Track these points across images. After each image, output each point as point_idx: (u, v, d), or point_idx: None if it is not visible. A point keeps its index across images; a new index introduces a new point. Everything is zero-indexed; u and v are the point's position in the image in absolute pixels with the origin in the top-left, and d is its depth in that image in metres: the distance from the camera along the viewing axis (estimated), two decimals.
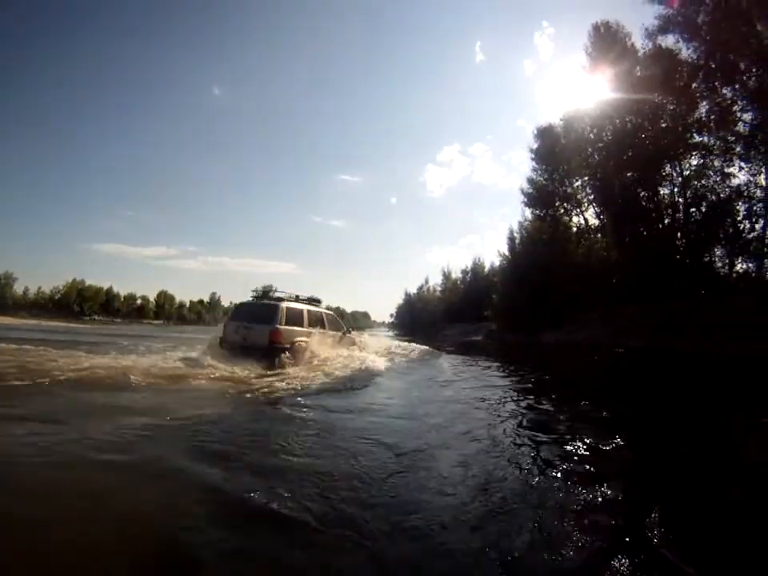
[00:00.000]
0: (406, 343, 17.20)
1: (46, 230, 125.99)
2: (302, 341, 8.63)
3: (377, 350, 12.24)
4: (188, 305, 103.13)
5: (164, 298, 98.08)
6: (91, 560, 1.87)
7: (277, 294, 9.46)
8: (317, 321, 9.58)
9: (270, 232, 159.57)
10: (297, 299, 9.53)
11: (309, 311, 9.30)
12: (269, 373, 7.10)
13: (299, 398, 5.60)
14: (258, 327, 8.24)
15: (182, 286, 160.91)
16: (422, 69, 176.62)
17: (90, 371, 6.23)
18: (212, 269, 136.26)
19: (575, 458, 3.54)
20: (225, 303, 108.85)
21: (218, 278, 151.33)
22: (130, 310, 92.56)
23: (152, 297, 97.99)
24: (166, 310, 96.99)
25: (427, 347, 16.19)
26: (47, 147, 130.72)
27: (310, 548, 2.07)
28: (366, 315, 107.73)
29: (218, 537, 2.10)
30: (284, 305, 8.63)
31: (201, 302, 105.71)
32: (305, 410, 4.99)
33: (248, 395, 5.65)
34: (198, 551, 1.98)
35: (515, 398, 6.45)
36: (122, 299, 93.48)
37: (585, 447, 3.86)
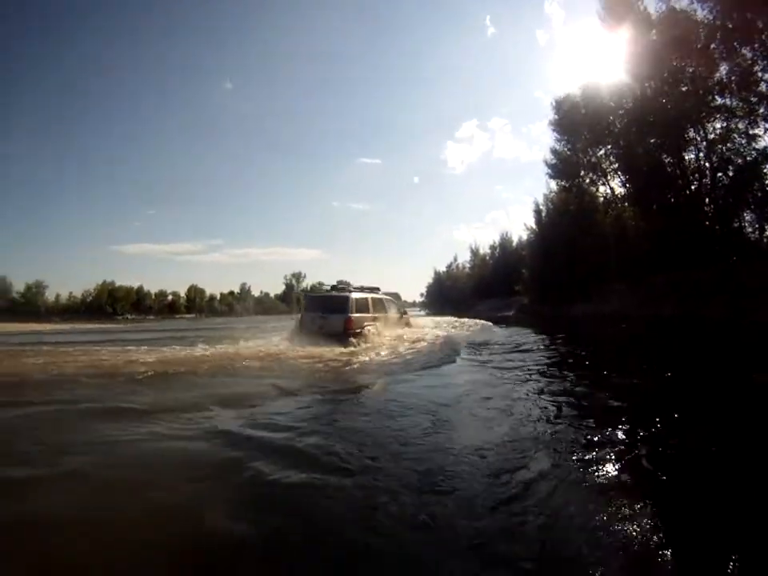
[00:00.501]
0: (465, 319, 18.54)
1: (67, 236, 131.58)
2: (369, 325, 10.18)
3: (433, 327, 14.19)
4: (219, 297, 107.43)
5: (194, 292, 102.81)
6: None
7: (341, 286, 10.99)
8: (379, 306, 11.19)
9: (292, 220, 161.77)
10: (361, 289, 11.11)
11: (372, 299, 10.84)
12: (343, 354, 8.16)
13: (372, 373, 6.66)
14: (333, 317, 9.73)
15: (209, 279, 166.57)
16: (434, 45, 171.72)
17: (157, 367, 6.56)
18: (238, 260, 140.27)
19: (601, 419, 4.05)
20: (255, 293, 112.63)
21: (245, 268, 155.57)
22: (162, 307, 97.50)
23: (182, 292, 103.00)
24: (197, 304, 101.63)
25: (480, 321, 17.52)
26: (60, 148, 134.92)
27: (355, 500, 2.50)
28: (396, 296, 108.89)
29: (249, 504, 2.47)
30: (353, 296, 10.14)
31: (231, 293, 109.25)
32: (392, 385, 5.81)
33: (323, 370, 6.76)
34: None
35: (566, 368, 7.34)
36: (153, 296, 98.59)
37: (606, 411, 4.41)
